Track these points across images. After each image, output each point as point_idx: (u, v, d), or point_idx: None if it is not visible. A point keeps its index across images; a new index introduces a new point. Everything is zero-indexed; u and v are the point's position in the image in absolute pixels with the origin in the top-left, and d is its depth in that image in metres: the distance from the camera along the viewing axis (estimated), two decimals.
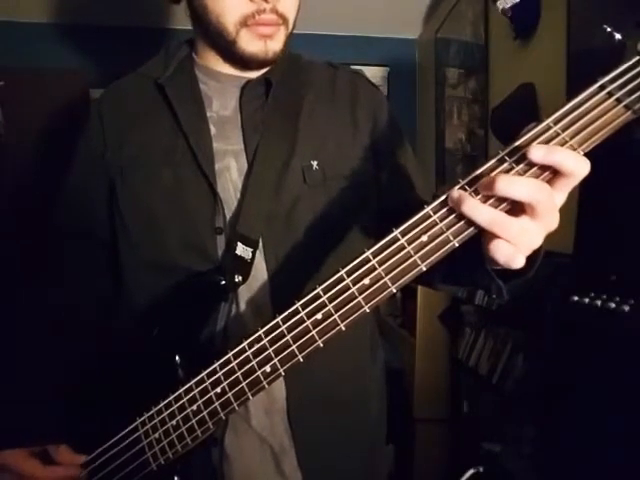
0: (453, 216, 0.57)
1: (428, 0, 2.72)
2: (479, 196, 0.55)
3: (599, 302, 1.11)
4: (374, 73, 2.85)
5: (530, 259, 0.58)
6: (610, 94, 0.53)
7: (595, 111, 0.54)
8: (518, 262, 0.56)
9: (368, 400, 0.91)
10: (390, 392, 0.96)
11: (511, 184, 0.53)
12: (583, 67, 1.50)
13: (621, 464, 1.03)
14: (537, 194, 0.52)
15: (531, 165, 0.54)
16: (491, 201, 0.55)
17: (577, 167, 0.53)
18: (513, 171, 0.55)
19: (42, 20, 2.71)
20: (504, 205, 0.55)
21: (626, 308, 1.05)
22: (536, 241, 0.56)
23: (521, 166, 0.54)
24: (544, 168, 0.54)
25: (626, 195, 1.13)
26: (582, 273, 1.24)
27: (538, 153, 0.52)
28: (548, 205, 0.53)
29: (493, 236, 0.55)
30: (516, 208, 0.55)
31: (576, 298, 1.17)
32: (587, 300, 1.15)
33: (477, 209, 0.54)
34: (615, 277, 1.12)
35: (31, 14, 2.65)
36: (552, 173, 0.54)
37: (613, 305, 1.08)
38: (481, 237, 0.57)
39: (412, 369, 2.28)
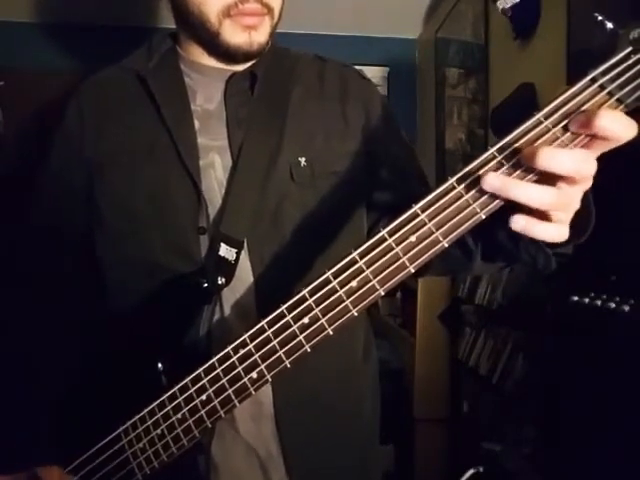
0: (443, 215, 0.54)
1: (428, 0, 2.71)
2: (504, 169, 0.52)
3: (599, 302, 1.11)
4: (374, 73, 2.85)
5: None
6: (602, 87, 0.51)
7: (587, 105, 0.51)
8: (565, 234, 0.54)
9: (361, 402, 0.88)
10: (390, 392, 0.95)
11: (555, 157, 0.49)
12: (583, 67, 1.49)
13: (621, 464, 1.03)
14: (583, 167, 0.50)
15: (521, 164, 0.51)
16: (518, 172, 0.52)
17: (625, 131, 0.49)
18: (504, 168, 0.52)
19: (42, 20, 2.71)
20: (531, 176, 0.52)
21: (626, 308, 1.05)
22: (577, 205, 0.54)
23: (512, 162, 0.52)
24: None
25: (626, 195, 1.13)
26: (582, 273, 1.24)
27: (605, 120, 0.48)
28: (591, 173, 0.51)
29: (533, 217, 0.52)
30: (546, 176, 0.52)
31: (576, 298, 1.17)
32: (587, 300, 1.14)
33: (527, 191, 0.51)
34: (615, 277, 1.12)
35: (31, 15, 2.65)
36: (589, 137, 0.50)
37: (613, 305, 1.08)
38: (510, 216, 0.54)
39: (412, 369, 2.27)
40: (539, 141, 0.52)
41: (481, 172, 0.53)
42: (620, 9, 1.30)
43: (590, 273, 1.21)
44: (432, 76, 2.82)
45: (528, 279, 1.59)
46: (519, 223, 0.52)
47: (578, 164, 0.50)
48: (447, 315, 2.24)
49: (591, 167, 0.51)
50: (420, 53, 3.08)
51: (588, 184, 0.54)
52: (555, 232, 0.54)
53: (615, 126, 0.49)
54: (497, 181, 0.51)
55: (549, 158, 0.49)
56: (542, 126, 0.52)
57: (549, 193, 0.51)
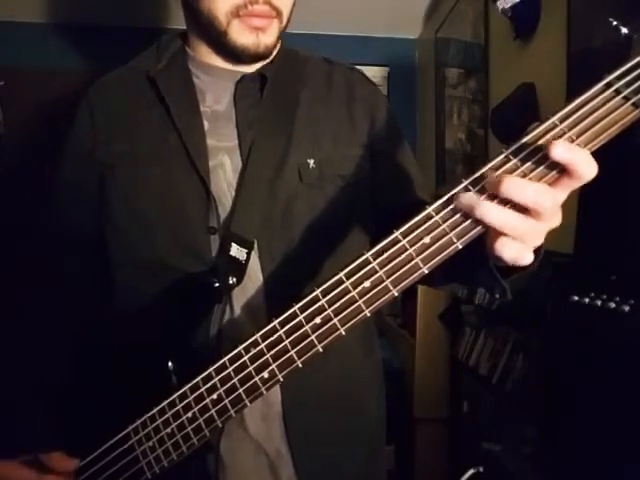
0: (457, 217, 0.55)
1: (428, 0, 2.72)
2: (484, 195, 0.54)
3: (599, 302, 1.11)
4: (374, 73, 2.85)
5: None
6: (617, 92, 0.51)
7: (602, 109, 0.52)
8: (527, 259, 0.55)
9: (365, 401, 0.89)
10: (390, 392, 0.95)
11: (516, 187, 0.52)
12: (583, 67, 1.50)
13: (621, 464, 1.03)
14: (541, 199, 0.52)
15: (537, 165, 0.53)
16: (496, 200, 0.54)
17: (589, 171, 0.51)
18: (518, 170, 0.53)
19: (42, 20, 2.71)
20: (508, 206, 0.54)
21: (626, 308, 1.05)
22: (540, 239, 0.56)
23: (527, 165, 0.53)
24: (551, 167, 0.52)
25: (626, 195, 1.13)
26: (582, 273, 1.24)
27: (559, 150, 0.50)
28: (553, 208, 0.53)
29: (500, 235, 0.54)
30: (519, 206, 0.54)
31: (576, 298, 1.17)
32: (587, 300, 1.14)
33: (490, 212, 0.53)
34: (615, 277, 1.12)
35: (31, 14, 2.65)
36: (559, 173, 0.52)
37: (613, 305, 1.08)
38: (485, 236, 0.56)
39: (412, 369, 2.27)
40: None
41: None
42: (620, 9, 1.30)
43: (590, 273, 1.21)
44: (432, 76, 2.82)
45: (528, 279, 1.59)
46: (504, 248, 0.54)
47: (538, 196, 0.51)
48: (447, 315, 2.24)
49: (550, 202, 0.52)
50: (420, 53, 3.08)
51: (553, 222, 0.55)
52: (516, 252, 0.55)
53: (584, 164, 0.51)
54: (466, 200, 0.53)
55: (511, 187, 0.52)
56: (557, 129, 0.53)
57: (513, 217, 0.53)
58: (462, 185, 0.55)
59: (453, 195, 0.56)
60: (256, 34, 0.80)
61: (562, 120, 0.52)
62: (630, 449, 1.01)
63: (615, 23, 0.54)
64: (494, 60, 2.18)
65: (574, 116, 0.52)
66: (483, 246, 0.57)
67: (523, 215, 0.53)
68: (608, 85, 0.52)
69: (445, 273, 0.71)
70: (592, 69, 1.45)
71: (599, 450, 1.08)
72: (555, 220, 0.55)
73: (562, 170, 0.52)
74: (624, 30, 0.54)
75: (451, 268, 0.62)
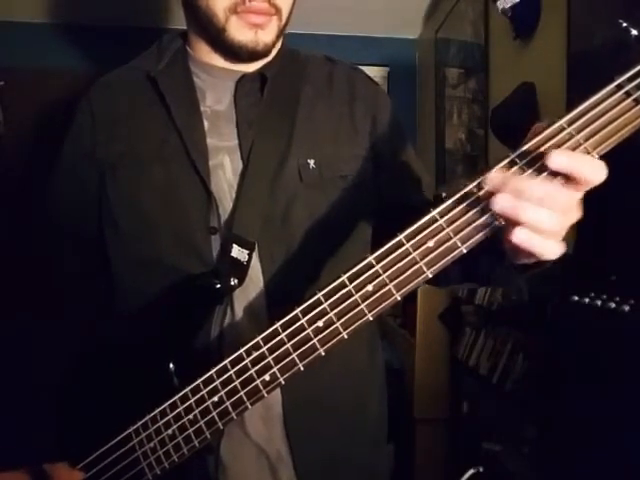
0: (461, 221, 0.54)
1: (428, 0, 2.72)
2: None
3: (599, 302, 1.11)
4: (374, 73, 2.85)
5: None
6: (628, 94, 0.51)
7: (612, 112, 0.51)
8: (559, 252, 0.54)
9: (367, 403, 0.88)
10: (390, 392, 0.95)
11: (524, 190, 0.51)
12: (583, 67, 1.50)
13: (621, 464, 1.03)
14: (551, 201, 0.50)
15: (543, 170, 0.52)
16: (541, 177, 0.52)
17: (594, 175, 0.50)
18: (525, 174, 0.52)
19: (42, 20, 2.71)
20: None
21: (626, 308, 1.05)
22: (560, 234, 0.54)
23: (533, 170, 0.52)
24: (557, 173, 0.51)
25: (626, 195, 1.13)
26: (582, 273, 1.24)
27: (559, 160, 0.49)
28: (566, 206, 0.52)
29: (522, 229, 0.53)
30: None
31: (576, 298, 1.17)
32: (587, 300, 1.14)
33: (540, 214, 0.51)
34: (615, 277, 1.12)
35: (31, 14, 2.65)
36: (564, 178, 0.51)
37: (613, 305, 1.08)
38: (504, 235, 0.54)
39: (412, 369, 2.27)
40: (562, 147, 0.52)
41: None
42: (620, 9, 1.30)
43: (590, 273, 1.21)
44: (432, 76, 2.82)
45: (528, 279, 1.59)
46: (520, 236, 0.52)
47: (546, 198, 0.51)
48: (447, 315, 2.24)
49: (563, 202, 0.51)
50: (420, 53, 3.09)
51: (572, 218, 0.54)
52: (552, 247, 0.53)
53: (587, 171, 0.50)
54: (507, 202, 0.51)
55: (517, 189, 0.50)
56: (564, 133, 0.52)
57: (556, 217, 0.52)
58: (468, 188, 0.54)
59: (458, 198, 0.55)
60: (255, 31, 0.80)
61: (570, 123, 0.52)
62: (630, 449, 1.01)
63: (625, 25, 0.53)
64: (494, 60, 2.18)
65: (583, 119, 0.51)
66: (500, 245, 0.56)
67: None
68: (619, 87, 0.51)
69: (460, 273, 0.70)
70: (592, 69, 1.45)
71: (599, 450, 1.08)
72: (573, 216, 0.54)
73: (567, 176, 0.51)
74: (634, 32, 0.53)
75: (467, 268, 0.61)
